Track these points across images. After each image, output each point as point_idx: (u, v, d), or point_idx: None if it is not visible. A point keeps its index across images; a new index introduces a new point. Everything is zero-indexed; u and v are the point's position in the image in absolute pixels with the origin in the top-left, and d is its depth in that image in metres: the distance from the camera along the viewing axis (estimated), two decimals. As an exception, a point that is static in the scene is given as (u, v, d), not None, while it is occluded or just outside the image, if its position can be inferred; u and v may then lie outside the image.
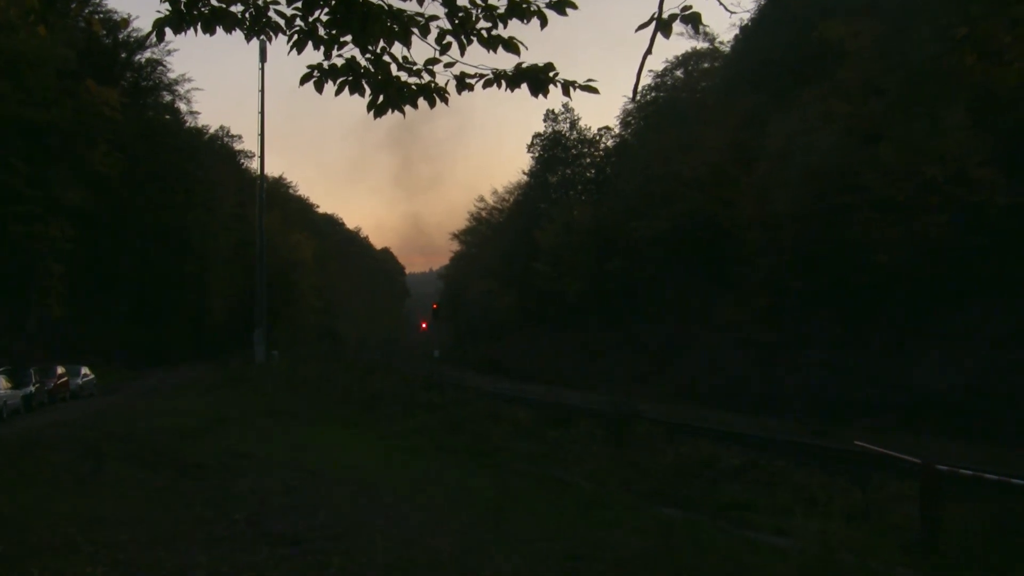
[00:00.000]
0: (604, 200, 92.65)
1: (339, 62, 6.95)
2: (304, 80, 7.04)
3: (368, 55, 6.94)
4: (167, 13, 6.75)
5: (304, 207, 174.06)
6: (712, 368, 57.42)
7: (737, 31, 77.11)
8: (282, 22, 6.91)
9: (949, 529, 13.57)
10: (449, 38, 6.78)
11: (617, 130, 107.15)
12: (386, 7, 6.66)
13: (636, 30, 6.41)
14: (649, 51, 6.51)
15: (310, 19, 6.82)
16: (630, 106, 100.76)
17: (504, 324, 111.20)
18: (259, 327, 55.04)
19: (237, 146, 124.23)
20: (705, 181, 62.48)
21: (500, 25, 6.70)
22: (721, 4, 7.42)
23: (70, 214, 58.18)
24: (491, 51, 6.77)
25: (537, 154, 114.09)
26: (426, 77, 7.07)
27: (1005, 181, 38.38)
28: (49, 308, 57.40)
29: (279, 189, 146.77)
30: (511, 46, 6.70)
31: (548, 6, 6.56)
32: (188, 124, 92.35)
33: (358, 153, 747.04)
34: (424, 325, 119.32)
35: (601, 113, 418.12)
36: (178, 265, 76.94)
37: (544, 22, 6.60)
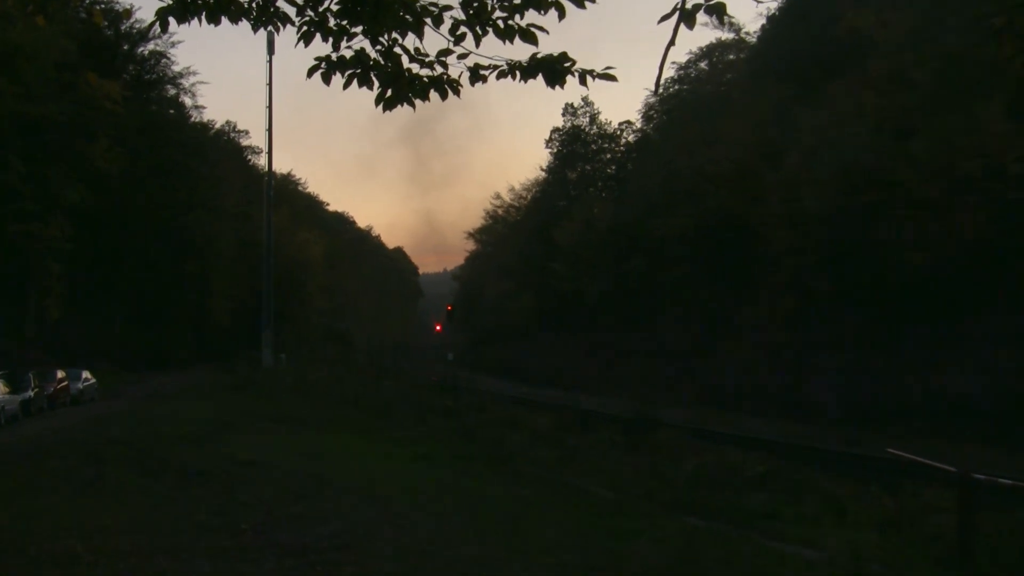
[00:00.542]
0: (625, 197, 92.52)
1: (348, 54, 6.95)
2: (311, 72, 7.04)
3: (378, 47, 6.94)
4: (170, 2, 6.76)
5: (313, 205, 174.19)
6: (737, 372, 57.34)
7: (763, 21, 77.15)
8: (291, 12, 6.92)
9: (986, 541, 13.49)
10: (463, 29, 6.76)
11: (639, 124, 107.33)
12: (399, -4, 6.67)
13: (659, 21, 6.37)
14: (672, 43, 6.49)
15: (320, 8, 6.83)
16: (652, 99, 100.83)
17: (521, 326, 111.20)
18: (266, 329, 55.14)
19: (244, 142, 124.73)
20: (730, 177, 62.34)
21: (517, 15, 6.70)
22: (747, -8, 7.40)
23: (69, 212, 58.22)
24: (507, 42, 6.75)
25: (555, 149, 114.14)
26: (438, 69, 7.07)
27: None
28: (48, 310, 57.48)
29: (287, 186, 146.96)
30: (528, 35, 6.67)
31: (567, -3, 6.55)
32: (193, 119, 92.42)
33: (370, 150, 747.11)
34: (438, 327, 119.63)
35: (622, 107, 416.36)
36: (182, 265, 76.93)
37: (562, 13, 6.58)
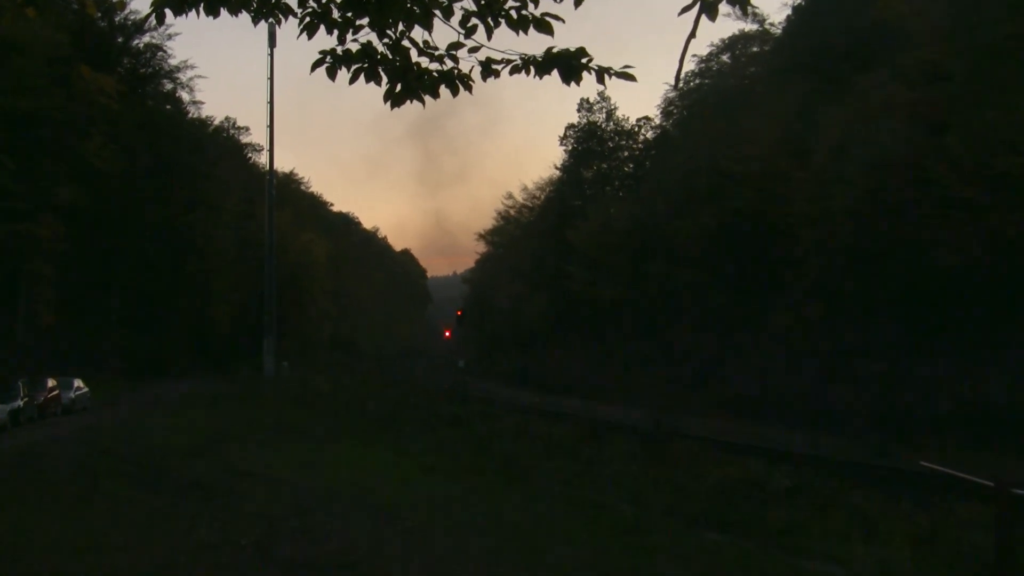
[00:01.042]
0: (643, 196, 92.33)
1: (354, 47, 6.93)
2: (315, 66, 7.02)
3: (386, 40, 6.92)
4: (167, -8, 6.75)
5: (316, 205, 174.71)
6: (761, 380, 57.23)
7: (789, 11, 76.99)
8: (293, 3, 6.90)
9: (1025, 559, 13.43)
10: (475, 20, 6.73)
11: (658, 120, 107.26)
12: (406, -14, 6.65)
13: (679, 13, 6.35)
14: (693, 35, 6.46)
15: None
16: (672, 94, 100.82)
17: (534, 332, 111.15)
18: (268, 336, 55.20)
19: (244, 139, 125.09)
20: (754, 175, 62.23)
21: (531, 4, 6.67)
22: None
23: (62, 212, 58.40)
24: (521, 32, 6.72)
25: (570, 147, 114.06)
26: (448, 63, 7.05)
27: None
28: (39, 315, 57.58)
29: (289, 185, 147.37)
30: (543, 25, 6.64)
31: (584, -15, 6.53)
32: (191, 115, 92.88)
33: (376, 148, 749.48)
34: (448, 333, 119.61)
35: (640, 102, 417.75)
36: (180, 268, 77.16)
37: (578, 1, 6.56)
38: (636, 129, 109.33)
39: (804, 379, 52.43)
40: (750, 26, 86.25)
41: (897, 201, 44.58)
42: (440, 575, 11.15)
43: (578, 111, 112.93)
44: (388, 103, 7.13)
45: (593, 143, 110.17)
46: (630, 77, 6.82)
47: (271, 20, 7.05)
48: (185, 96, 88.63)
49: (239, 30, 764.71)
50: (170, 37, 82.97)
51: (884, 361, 46.77)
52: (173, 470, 19.45)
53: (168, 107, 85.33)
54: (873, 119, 47.53)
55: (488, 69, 6.96)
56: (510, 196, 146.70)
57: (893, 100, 46.99)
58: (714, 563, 12.70)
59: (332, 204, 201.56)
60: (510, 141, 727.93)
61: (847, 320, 50.50)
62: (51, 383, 41.50)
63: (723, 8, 6.23)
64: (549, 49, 6.75)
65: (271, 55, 56.25)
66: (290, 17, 6.96)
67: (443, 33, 6.88)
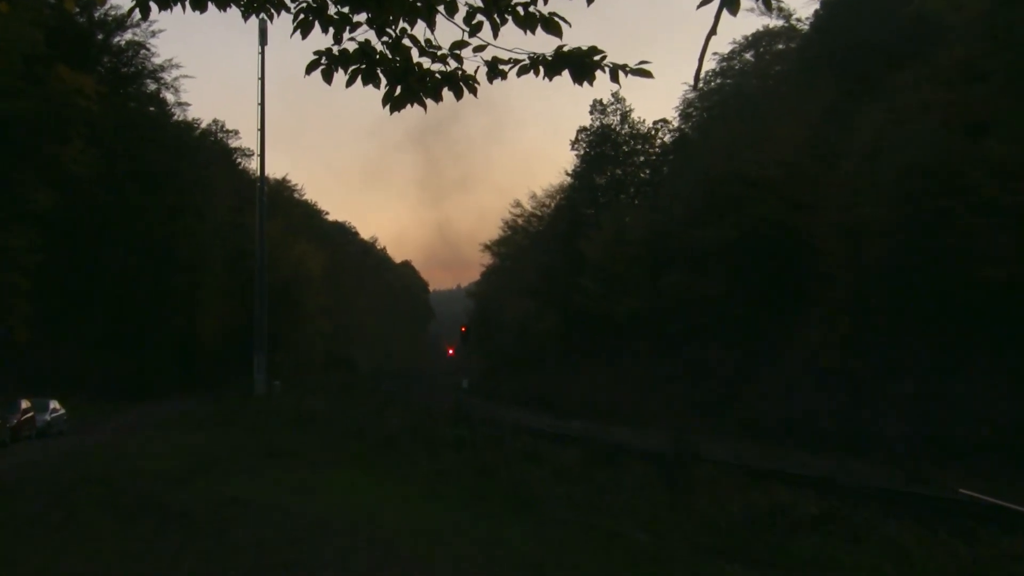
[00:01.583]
0: (660, 204, 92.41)
1: (351, 47, 6.95)
2: (310, 68, 7.04)
3: (385, 38, 6.93)
4: (150, -15, 6.76)
5: (311, 214, 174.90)
6: (786, 401, 57.12)
7: (817, 6, 77.07)
8: (286, -3, 6.92)
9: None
10: (480, 17, 6.74)
11: (676, 123, 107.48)
12: (407, -20, 6.66)
13: (698, 7, 6.36)
14: (713, 31, 6.47)
15: (319, -6, 6.84)
16: (691, 95, 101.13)
17: (544, 350, 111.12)
18: (258, 353, 55.29)
19: (233, 143, 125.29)
20: (779, 182, 62.21)
21: (539, 0, 6.67)
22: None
23: (38, 221, 58.39)
24: (528, 31, 6.74)
25: (582, 152, 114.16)
26: (452, 64, 7.07)
27: None
28: (13, 331, 57.47)
29: (282, 192, 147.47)
30: (552, 25, 6.65)
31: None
32: (176, 117, 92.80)
33: (375, 154, 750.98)
34: (451, 351, 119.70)
35: (657, 104, 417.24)
36: (165, 281, 77.03)
37: (590, -2, 6.59)
38: (653, 132, 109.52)
39: (833, 400, 52.31)
40: (775, 22, 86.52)
41: (934, 209, 44.48)
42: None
43: (590, 113, 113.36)
44: (387, 107, 7.14)
45: (607, 147, 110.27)
46: (647, 74, 6.82)
47: (262, 16, 7.07)
48: (170, 97, 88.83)
49: (228, 27, 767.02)
50: (154, 34, 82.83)
51: (918, 380, 46.66)
52: (157, 498, 19.45)
53: (152, 109, 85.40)
54: (908, 121, 47.49)
55: (494, 70, 6.97)
56: (518, 204, 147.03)
57: (930, 101, 46.95)
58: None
59: (327, 213, 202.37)
60: (518, 147, 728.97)
61: (879, 337, 50.38)
62: (25, 404, 41.44)
63: (745, 3, 6.26)
64: (559, 47, 6.76)
65: (262, 54, 56.58)
66: (283, 12, 6.97)
67: (446, 31, 6.90)
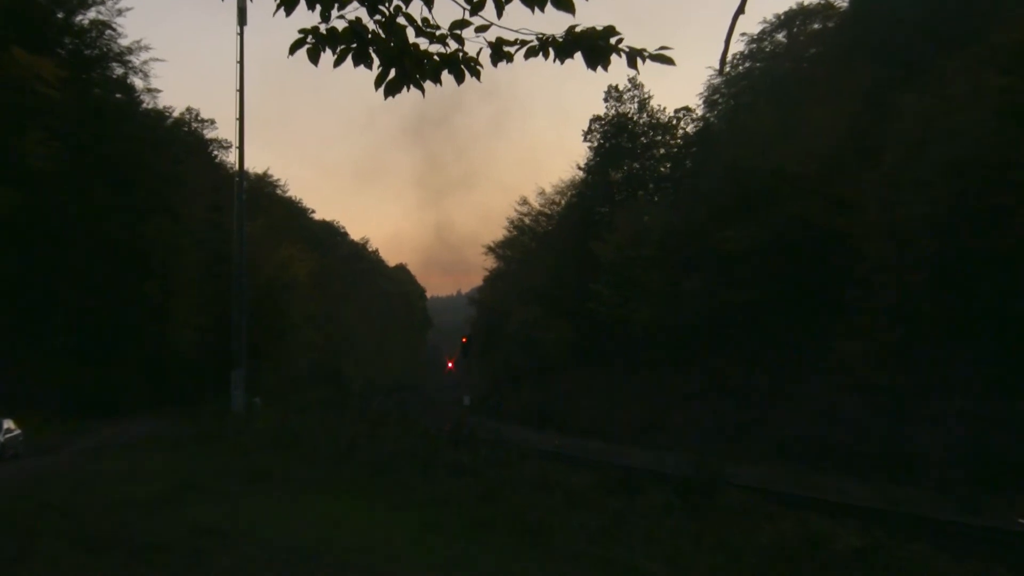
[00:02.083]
0: (682, 202, 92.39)
1: (340, 25, 6.91)
2: (295, 47, 6.99)
3: (378, 16, 6.90)
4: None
5: (295, 212, 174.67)
6: (823, 420, 57.04)
7: (857, -18, 77.04)
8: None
9: None
10: (483, -7, 6.71)
11: (700, 112, 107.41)
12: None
13: (725, -17, 6.34)
14: (741, 10, 6.46)
15: (303, -33, 6.80)
16: (717, 80, 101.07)
17: (553, 362, 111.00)
18: (237, 367, 55.23)
19: (209, 133, 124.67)
20: (815, 177, 62.15)
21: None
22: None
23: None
24: (537, 9, 6.69)
25: (596, 143, 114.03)
26: (452, 45, 7.03)
27: None
28: (-35, 344, 57.52)
29: (263, 189, 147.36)
30: (563, 1, 6.61)
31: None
32: (146, 105, 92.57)
33: (368, 147, 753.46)
34: (451, 364, 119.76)
35: (679, 90, 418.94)
36: (136, 286, 76.99)
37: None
38: (674, 122, 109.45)
39: (875, 419, 52.24)
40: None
41: (987, 207, 44.43)
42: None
43: (605, 101, 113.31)
44: (381, 91, 7.09)
45: (623, 139, 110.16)
46: (668, 60, 6.77)
47: (241, -8, 7.05)
48: (139, 83, 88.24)
49: (203, 5, 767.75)
50: (120, 12, 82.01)
51: (970, 398, 46.58)
52: (126, 527, 19.43)
53: (119, 96, 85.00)
54: (958, 110, 47.44)
55: (499, 52, 6.94)
56: (525, 202, 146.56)
57: (982, 87, 46.90)
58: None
59: (313, 211, 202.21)
60: (525, 139, 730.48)
61: (926, 349, 50.32)
62: (-26, 424, 41.46)
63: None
64: (571, 28, 6.72)
65: (240, 34, 56.28)
66: (264, -12, 6.96)
67: (446, 9, 6.87)
